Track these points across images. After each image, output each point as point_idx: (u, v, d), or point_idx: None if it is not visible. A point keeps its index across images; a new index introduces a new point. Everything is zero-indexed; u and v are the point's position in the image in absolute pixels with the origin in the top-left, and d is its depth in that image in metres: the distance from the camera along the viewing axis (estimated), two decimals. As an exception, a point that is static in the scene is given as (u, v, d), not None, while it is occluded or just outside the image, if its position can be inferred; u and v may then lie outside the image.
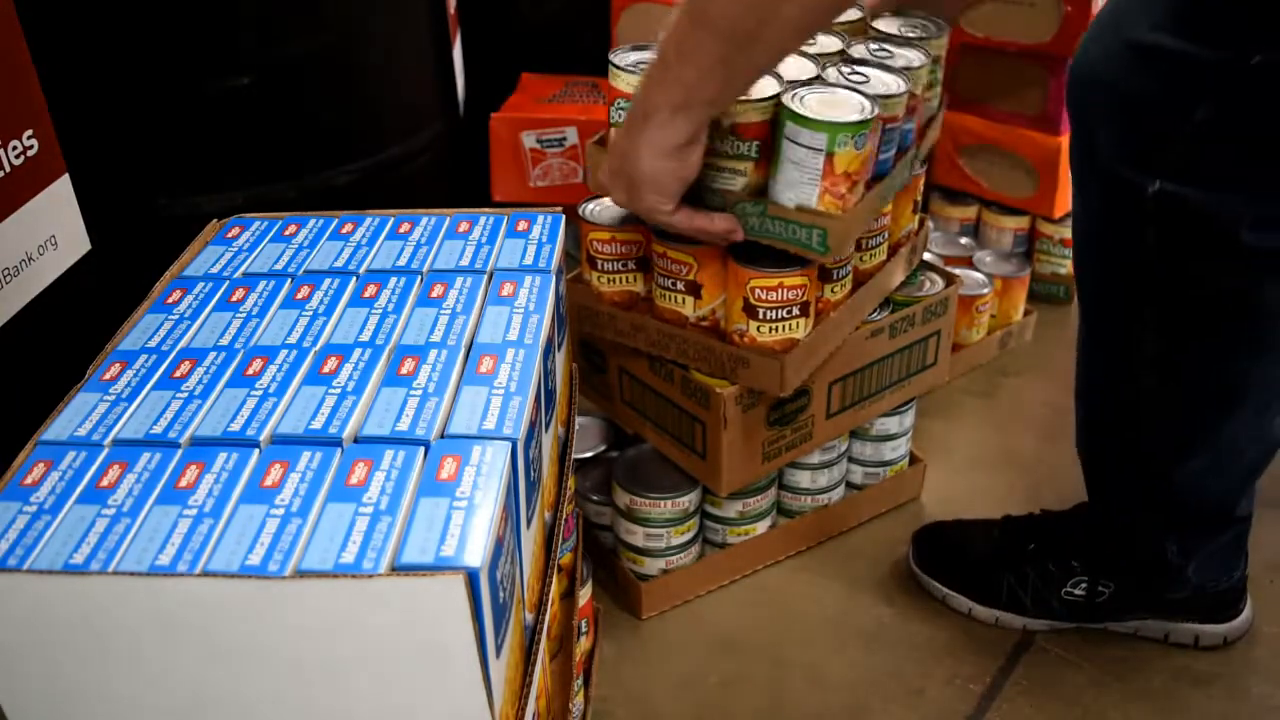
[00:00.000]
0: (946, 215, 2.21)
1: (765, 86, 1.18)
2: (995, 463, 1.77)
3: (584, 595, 1.27)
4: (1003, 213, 2.16)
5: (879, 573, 1.56)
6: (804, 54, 1.28)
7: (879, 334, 1.45)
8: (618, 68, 1.23)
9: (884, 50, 1.35)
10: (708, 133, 1.12)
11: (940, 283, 1.56)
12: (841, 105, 1.16)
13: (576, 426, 1.21)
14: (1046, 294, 2.20)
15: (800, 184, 1.16)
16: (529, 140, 1.88)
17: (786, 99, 1.15)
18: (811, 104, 1.15)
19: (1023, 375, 2.00)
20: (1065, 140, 2.00)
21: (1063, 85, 1.95)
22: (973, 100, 2.08)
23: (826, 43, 1.37)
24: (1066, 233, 2.13)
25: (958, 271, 1.71)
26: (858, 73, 1.26)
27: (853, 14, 1.47)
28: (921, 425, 1.74)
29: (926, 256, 1.61)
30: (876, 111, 1.14)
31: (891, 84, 1.25)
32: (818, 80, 1.22)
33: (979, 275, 1.97)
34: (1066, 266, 2.16)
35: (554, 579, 0.95)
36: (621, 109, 1.24)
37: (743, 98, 1.14)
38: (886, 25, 1.44)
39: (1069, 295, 2.19)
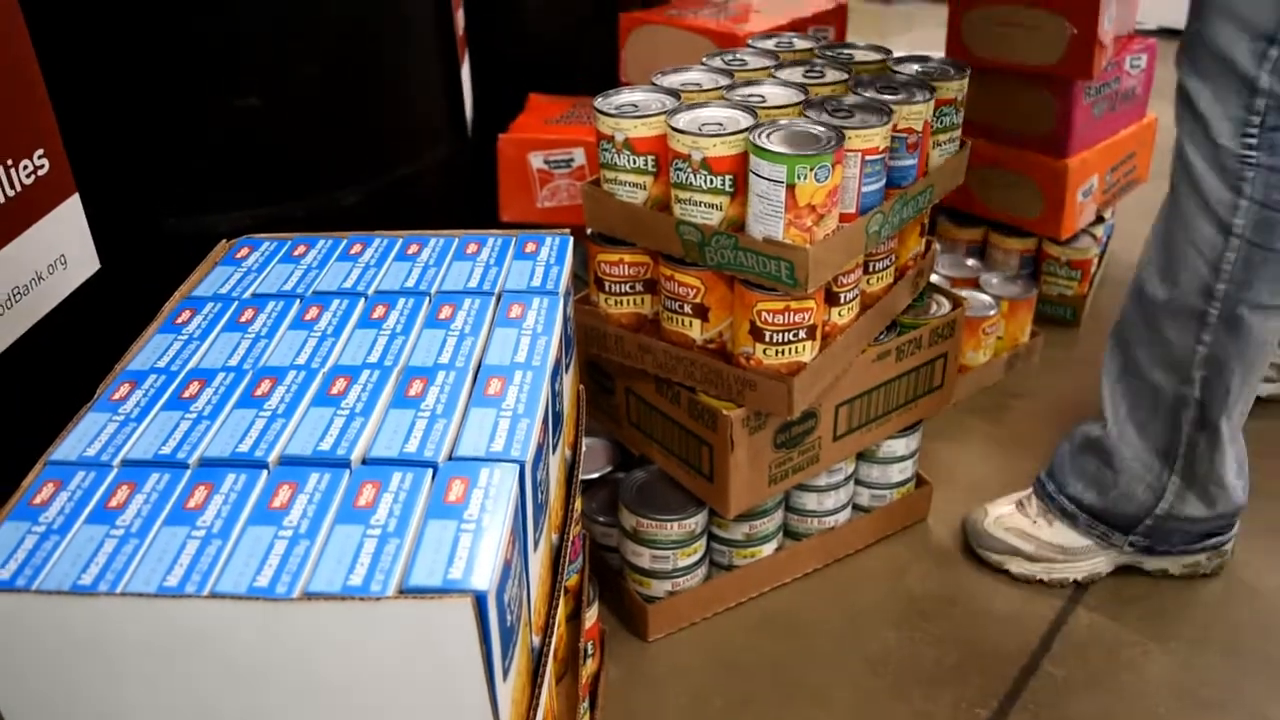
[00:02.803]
0: (953, 237, 2.21)
1: (738, 121, 1.20)
2: (1002, 485, 1.76)
3: (590, 617, 1.27)
4: (1009, 234, 2.17)
5: (886, 596, 1.55)
6: (805, 92, 1.31)
7: (886, 357, 1.45)
8: (601, 112, 1.26)
9: (889, 88, 1.36)
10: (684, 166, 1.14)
11: (947, 305, 1.56)
12: (809, 139, 1.17)
13: (583, 447, 1.21)
14: (1053, 316, 2.20)
15: (766, 216, 1.17)
16: (537, 161, 1.89)
17: (753, 134, 1.16)
18: (776, 138, 1.16)
19: (1029, 397, 2.00)
20: (1072, 163, 2.00)
21: (1070, 107, 1.97)
22: (979, 122, 2.08)
23: (833, 77, 1.39)
24: (1073, 254, 2.13)
25: (964, 293, 1.71)
26: (842, 109, 1.28)
27: (876, 55, 1.49)
28: (928, 447, 1.74)
29: (933, 278, 1.61)
30: (835, 145, 1.15)
31: (871, 119, 1.26)
32: (801, 116, 1.24)
33: (985, 297, 1.97)
34: (1073, 288, 2.16)
35: (561, 601, 0.95)
36: (606, 150, 1.26)
37: (714, 133, 1.16)
38: (906, 67, 1.45)
39: (1075, 317, 2.19)
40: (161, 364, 0.89)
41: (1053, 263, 2.16)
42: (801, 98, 1.31)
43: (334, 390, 0.84)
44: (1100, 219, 2.22)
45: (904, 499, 1.64)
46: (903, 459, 1.60)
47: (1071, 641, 1.47)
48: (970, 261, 2.14)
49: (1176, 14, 4.03)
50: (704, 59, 1.46)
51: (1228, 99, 1.25)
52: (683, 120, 1.22)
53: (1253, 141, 1.24)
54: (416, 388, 0.84)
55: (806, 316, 1.24)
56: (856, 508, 1.63)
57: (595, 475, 1.58)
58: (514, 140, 1.90)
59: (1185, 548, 1.53)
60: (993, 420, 1.94)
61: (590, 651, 1.29)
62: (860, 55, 1.51)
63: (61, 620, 0.67)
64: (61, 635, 0.68)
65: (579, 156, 1.89)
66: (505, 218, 1.96)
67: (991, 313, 1.94)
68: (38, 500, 0.74)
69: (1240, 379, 1.36)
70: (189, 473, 0.76)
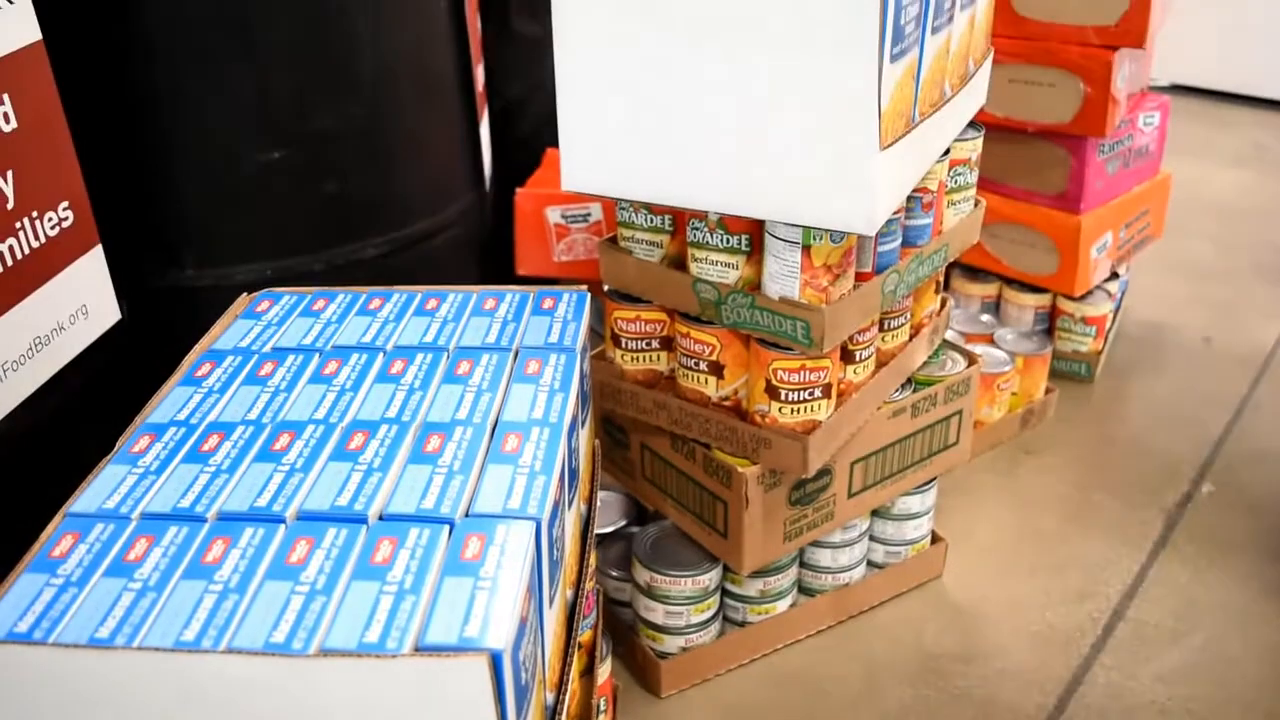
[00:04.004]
0: (968, 293, 2.21)
1: None
2: (1017, 542, 1.75)
3: (603, 673, 1.26)
4: (1024, 290, 2.17)
5: (901, 653, 1.54)
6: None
7: (901, 414, 1.45)
8: None
9: None
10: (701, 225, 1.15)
11: (962, 362, 1.56)
12: None
13: (598, 502, 1.21)
14: (1068, 372, 2.19)
15: (782, 276, 1.18)
16: (554, 215, 1.90)
17: None
18: None
19: (1044, 454, 1.99)
20: (1086, 219, 2.01)
21: (1084, 164, 1.98)
22: (993, 178, 2.10)
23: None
24: (1088, 310, 2.14)
25: (979, 349, 1.71)
26: None
27: None
28: (943, 504, 1.73)
29: (948, 334, 1.61)
30: None
31: None
32: None
33: (1000, 353, 1.97)
34: (1088, 344, 2.16)
35: (575, 657, 0.95)
36: (624, 208, 1.28)
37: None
38: None
39: (1090, 373, 2.19)
40: (181, 416, 0.90)
41: (1067, 319, 2.17)
42: None
43: (352, 445, 0.84)
44: (1115, 275, 2.22)
45: (919, 556, 1.64)
46: (918, 516, 1.60)
47: (1087, 701, 1.45)
48: (985, 317, 2.15)
49: (1189, 71, 4.06)
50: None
51: None
52: None
53: None
54: (434, 443, 0.85)
55: (822, 375, 1.24)
56: (871, 564, 1.62)
57: (609, 529, 1.57)
58: (531, 195, 1.92)
59: None
60: (1008, 476, 1.93)
61: (603, 708, 1.28)
62: None
63: (78, 674, 0.67)
64: (78, 688, 0.68)
65: (596, 211, 1.90)
66: (522, 271, 1.97)
67: (1006, 369, 1.94)
68: (56, 552, 0.75)
69: None
70: (207, 526, 0.77)
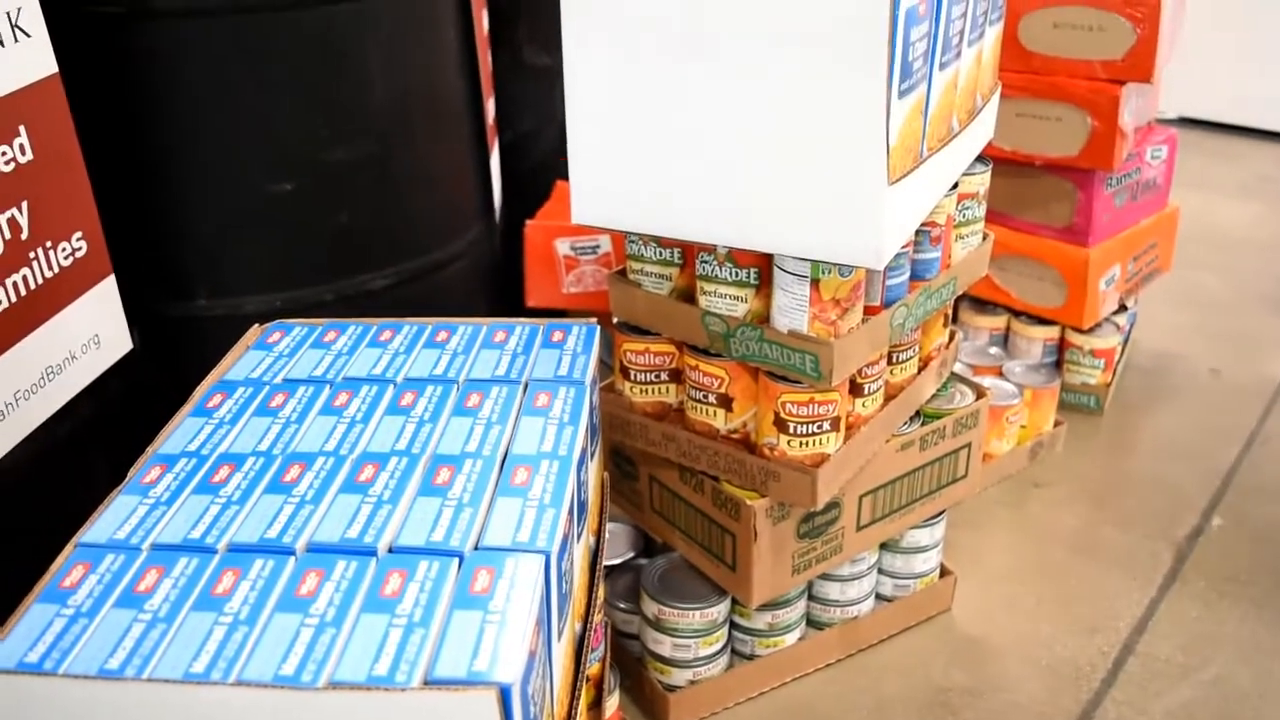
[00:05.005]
0: (976, 325, 2.22)
1: None
2: (1026, 575, 1.75)
3: (611, 706, 1.26)
4: (1032, 323, 2.17)
5: (910, 686, 1.53)
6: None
7: (909, 447, 1.45)
8: None
9: None
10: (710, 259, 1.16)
11: (970, 395, 1.56)
12: None
13: (606, 534, 1.21)
14: (1077, 404, 2.19)
15: (791, 309, 1.19)
16: (563, 247, 1.91)
17: None
18: None
19: (1053, 486, 1.99)
20: (1094, 252, 2.02)
21: (1091, 198, 1.99)
22: (1001, 211, 2.10)
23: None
24: (1096, 343, 2.14)
25: (987, 381, 1.71)
26: None
27: None
28: (952, 536, 1.73)
29: (956, 367, 1.61)
30: None
31: None
32: None
33: (1009, 385, 1.97)
34: (1096, 377, 2.16)
35: (583, 691, 0.94)
36: (633, 242, 1.29)
37: None
38: None
39: (1099, 406, 2.18)
40: (193, 447, 0.91)
41: (1076, 351, 2.17)
42: None
43: (362, 477, 0.85)
44: (1123, 308, 2.22)
45: (928, 589, 1.63)
46: (926, 549, 1.59)
47: (1098, 738, 1.45)
48: (993, 350, 2.15)
49: (1196, 104, 4.06)
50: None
51: None
52: None
53: None
54: (444, 476, 0.85)
55: (831, 408, 1.24)
56: (880, 597, 1.62)
57: (617, 561, 1.57)
58: (541, 227, 1.93)
59: None
60: (1016, 509, 1.93)
61: (610, 741, 1.28)
62: None
63: (88, 704, 0.67)
64: (87, 719, 0.68)
65: (605, 244, 1.91)
66: (531, 303, 1.97)
67: (1015, 401, 1.94)
68: (67, 582, 0.75)
69: None
70: (217, 558, 0.77)
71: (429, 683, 0.65)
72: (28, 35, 1.14)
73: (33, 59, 1.16)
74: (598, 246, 1.91)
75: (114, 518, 0.82)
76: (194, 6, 1.37)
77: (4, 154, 1.12)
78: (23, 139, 1.14)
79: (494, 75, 2.01)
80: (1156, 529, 1.84)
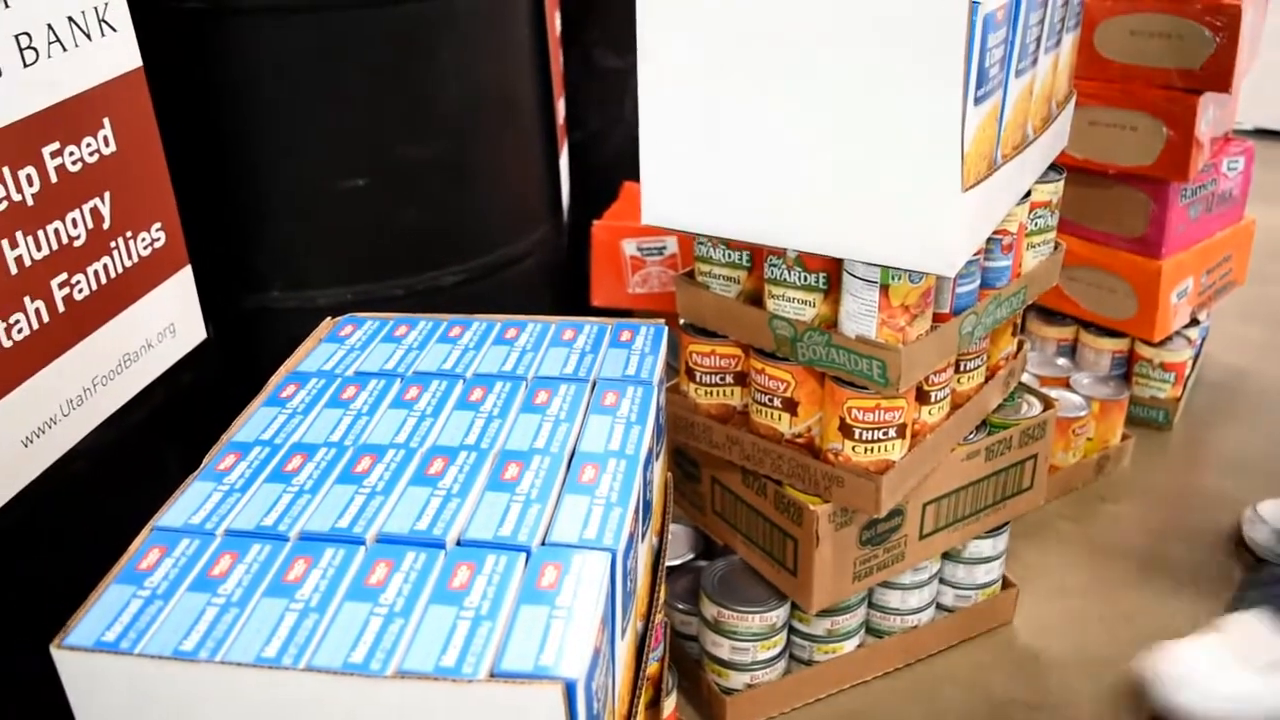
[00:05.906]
0: (1044, 335, 2.19)
1: None
2: (1090, 590, 1.73)
3: (668, 706, 1.26)
4: (1101, 334, 2.14)
5: (969, 699, 1.52)
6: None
7: (975, 456, 1.44)
8: None
9: None
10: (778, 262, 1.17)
11: (1038, 406, 1.55)
12: None
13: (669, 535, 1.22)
14: (1145, 419, 2.16)
15: (859, 315, 1.18)
16: (629, 248, 1.92)
17: None
18: None
19: (1120, 502, 1.96)
20: (1166, 264, 1.99)
21: (1165, 209, 1.96)
22: (1073, 221, 2.08)
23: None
24: (1166, 356, 2.10)
25: (1054, 393, 1.69)
26: None
27: None
28: (1015, 548, 1.71)
29: (1024, 377, 1.60)
30: None
31: None
32: None
33: (1076, 397, 1.95)
34: (1166, 391, 2.12)
35: (643, 690, 0.95)
36: (702, 244, 1.29)
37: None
38: None
39: (1168, 420, 2.15)
40: (266, 436, 0.92)
41: (1145, 364, 2.13)
42: None
43: (432, 470, 0.86)
44: (1195, 321, 2.19)
45: (989, 600, 1.62)
46: (989, 560, 1.58)
47: (1161, 757, 1.43)
48: (1061, 361, 2.12)
49: (1274, 116, 3.97)
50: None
51: None
52: None
53: None
54: (512, 471, 0.86)
55: (897, 415, 1.23)
56: (940, 607, 1.61)
57: (677, 562, 1.57)
58: (608, 227, 1.93)
59: None
60: (1081, 523, 1.91)
61: (667, 741, 1.28)
62: None
63: (162, 684, 0.69)
64: (161, 698, 0.69)
65: (671, 245, 1.91)
66: (596, 302, 1.98)
67: (1082, 413, 1.92)
68: (144, 565, 0.76)
69: None
70: (289, 545, 0.78)
71: (495, 675, 0.66)
72: (114, 29, 1.17)
73: (118, 53, 1.18)
74: (664, 247, 1.91)
75: (189, 503, 0.83)
76: (275, 4, 1.39)
77: (88, 145, 1.14)
78: (107, 131, 1.17)
79: (564, 76, 2.02)
80: (1224, 547, 1.81)
